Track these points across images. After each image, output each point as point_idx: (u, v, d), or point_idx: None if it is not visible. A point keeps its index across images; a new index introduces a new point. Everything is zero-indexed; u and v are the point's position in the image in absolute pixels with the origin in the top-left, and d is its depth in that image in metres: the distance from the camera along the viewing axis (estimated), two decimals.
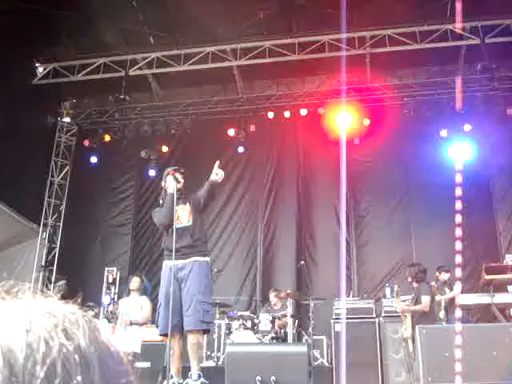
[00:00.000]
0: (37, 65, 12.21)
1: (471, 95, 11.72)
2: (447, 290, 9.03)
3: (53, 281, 12.50)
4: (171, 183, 5.76)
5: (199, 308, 5.36)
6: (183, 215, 5.76)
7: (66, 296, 9.68)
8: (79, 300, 9.50)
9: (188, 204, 5.82)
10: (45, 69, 12.21)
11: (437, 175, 11.27)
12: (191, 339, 5.42)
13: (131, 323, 7.34)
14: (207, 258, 5.74)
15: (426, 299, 7.74)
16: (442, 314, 8.62)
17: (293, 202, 12.48)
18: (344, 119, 12.12)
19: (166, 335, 5.45)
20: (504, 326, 6.53)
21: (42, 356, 0.54)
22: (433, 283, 8.78)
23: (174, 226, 5.52)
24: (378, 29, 11.03)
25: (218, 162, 5.60)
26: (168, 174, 5.86)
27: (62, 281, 9.85)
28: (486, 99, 11.59)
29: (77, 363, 0.56)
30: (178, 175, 5.83)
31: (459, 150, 11.54)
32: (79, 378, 0.55)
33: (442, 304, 8.75)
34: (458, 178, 10.88)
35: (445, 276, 9.31)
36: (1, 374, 0.52)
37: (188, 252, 5.58)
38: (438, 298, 8.72)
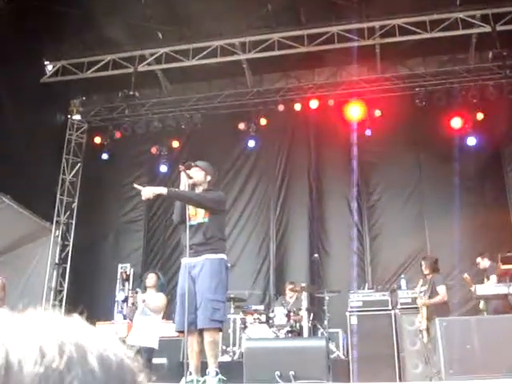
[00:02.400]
0: (45, 63, 12.21)
1: (483, 84, 11.63)
2: (485, 279, 8.89)
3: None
4: (183, 179, 5.72)
5: (209, 306, 5.33)
6: (199, 211, 5.68)
7: None
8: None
9: None
10: (54, 67, 12.22)
11: (450, 165, 11.21)
12: (207, 337, 5.41)
13: (143, 301, 7.25)
14: (221, 255, 5.59)
15: (442, 289, 7.77)
16: (481, 304, 8.48)
17: (305, 195, 12.45)
18: (355, 111, 12.07)
19: (181, 332, 5.45)
20: None
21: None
22: (465, 275, 8.61)
23: (187, 223, 5.47)
24: (387, 19, 10.94)
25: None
26: (180, 171, 5.79)
27: None
28: (497, 87, 11.48)
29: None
30: (191, 171, 5.75)
31: (472, 139, 11.46)
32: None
33: None
34: (471, 168, 10.76)
35: (486, 263, 9.13)
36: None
37: (200, 250, 5.50)
38: (472, 288, 8.56)
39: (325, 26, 11.15)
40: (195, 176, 5.72)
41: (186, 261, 5.52)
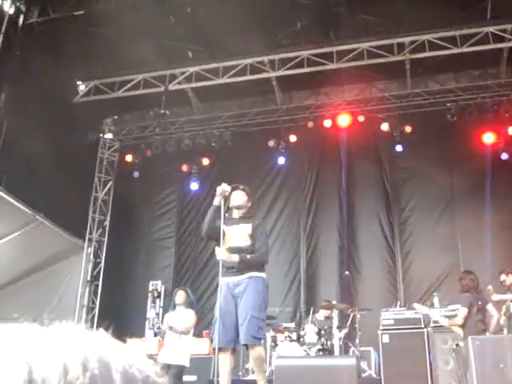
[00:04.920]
0: (78, 83, 12.42)
1: None
2: (510, 294, 8.63)
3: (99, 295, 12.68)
4: (216, 199, 5.73)
5: (253, 324, 5.35)
6: (241, 235, 5.69)
7: None
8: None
9: (251, 226, 5.73)
10: (86, 86, 12.42)
11: (482, 181, 11.03)
12: (253, 354, 5.42)
13: (171, 328, 7.27)
14: (263, 274, 5.68)
15: (461, 311, 7.14)
16: (502, 320, 8.19)
17: (335, 212, 12.36)
18: (384, 127, 12.01)
19: (221, 350, 5.44)
20: None
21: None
22: (489, 287, 8.34)
23: (224, 245, 5.48)
24: (416, 34, 10.88)
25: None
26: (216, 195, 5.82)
27: None
28: None
29: None
30: (236, 192, 5.80)
31: (505, 155, 11.29)
32: None
33: (503, 309, 8.21)
34: (504, 184, 10.54)
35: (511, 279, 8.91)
36: None
37: (243, 268, 5.55)
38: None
39: (354, 43, 11.13)
40: (239, 199, 5.79)
41: (225, 280, 5.54)
